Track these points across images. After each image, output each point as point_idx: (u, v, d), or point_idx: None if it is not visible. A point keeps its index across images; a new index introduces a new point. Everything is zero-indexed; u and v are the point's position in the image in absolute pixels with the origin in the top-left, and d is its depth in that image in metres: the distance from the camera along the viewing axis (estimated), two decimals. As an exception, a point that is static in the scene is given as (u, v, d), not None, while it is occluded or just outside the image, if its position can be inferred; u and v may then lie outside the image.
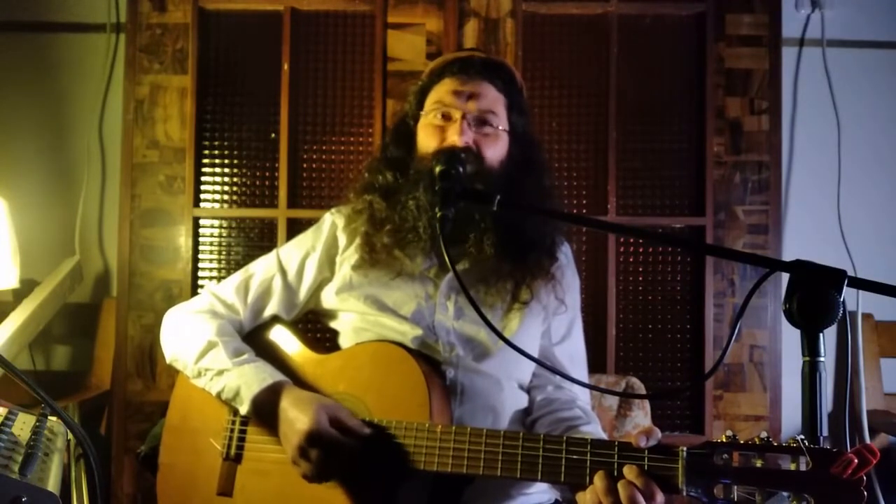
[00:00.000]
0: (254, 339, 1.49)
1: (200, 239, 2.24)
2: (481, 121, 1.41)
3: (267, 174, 2.25)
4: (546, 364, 1.28)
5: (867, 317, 2.33)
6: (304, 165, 2.27)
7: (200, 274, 2.23)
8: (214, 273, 2.23)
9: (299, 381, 1.39)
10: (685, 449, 1.02)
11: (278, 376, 1.35)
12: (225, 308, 1.49)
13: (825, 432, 0.85)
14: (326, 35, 2.27)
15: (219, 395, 1.37)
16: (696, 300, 2.21)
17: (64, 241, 2.33)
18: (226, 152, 2.26)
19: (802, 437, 0.91)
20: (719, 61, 2.23)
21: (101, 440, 2.19)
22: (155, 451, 1.48)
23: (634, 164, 2.23)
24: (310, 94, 2.26)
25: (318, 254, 1.51)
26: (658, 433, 1.07)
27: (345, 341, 1.46)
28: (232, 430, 1.39)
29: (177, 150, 2.22)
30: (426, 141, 1.43)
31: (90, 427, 2.18)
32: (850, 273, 0.87)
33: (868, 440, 2.18)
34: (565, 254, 1.55)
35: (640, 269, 2.22)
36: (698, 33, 2.24)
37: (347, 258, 1.48)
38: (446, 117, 1.41)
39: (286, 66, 2.22)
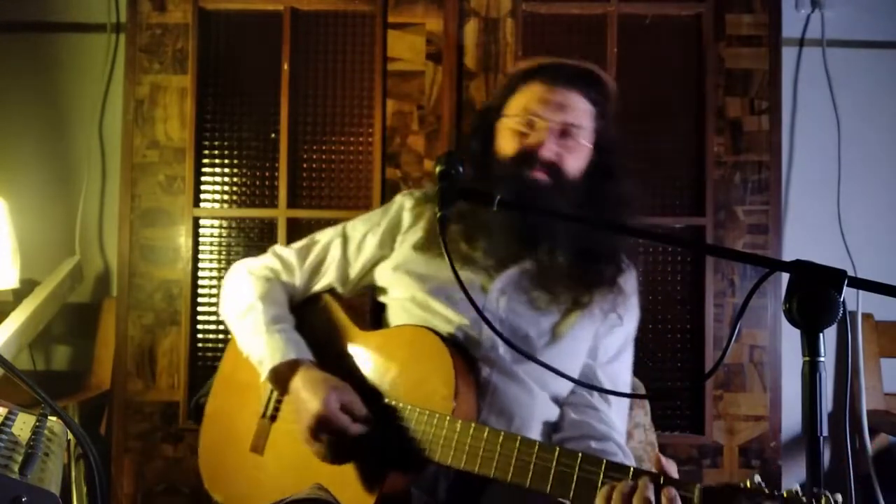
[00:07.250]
0: (305, 306, 1.52)
1: (200, 239, 2.24)
2: (565, 133, 1.40)
3: (267, 174, 2.25)
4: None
5: (867, 317, 2.32)
6: (304, 165, 2.26)
7: (200, 274, 2.23)
8: (214, 273, 2.23)
9: (337, 354, 1.41)
10: (700, 486, 0.98)
11: (303, 354, 1.37)
12: (283, 266, 1.52)
13: (825, 432, 0.84)
14: (326, 35, 2.27)
15: (249, 357, 1.41)
16: (696, 300, 2.20)
17: (64, 241, 2.33)
18: (226, 152, 2.26)
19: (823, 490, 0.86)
20: (719, 61, 2.22)
21: (101, 440, 2.19)
22: None
23: (634, 164, 2.22)
24: (310, 94, 2.26)
25: (382, 230, 1.52)
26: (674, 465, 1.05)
27: (393, 318, 1.46)
28: (272, 390, 1.42)
29: (177, 150, 2.22)
30: (507, 144, 1.42)
31: (90, 427, 2.18)
32: (850, 273, 0.87)
33: (868, 440, 2.17)
34: (630, 282, 1.51)
35: (640, 269, 2.22)
36: (698, 33, 2.24)
37: (409, 237, 1.49)
38: (530, 125, 1.40)
39: (286, 66, 2.22)
